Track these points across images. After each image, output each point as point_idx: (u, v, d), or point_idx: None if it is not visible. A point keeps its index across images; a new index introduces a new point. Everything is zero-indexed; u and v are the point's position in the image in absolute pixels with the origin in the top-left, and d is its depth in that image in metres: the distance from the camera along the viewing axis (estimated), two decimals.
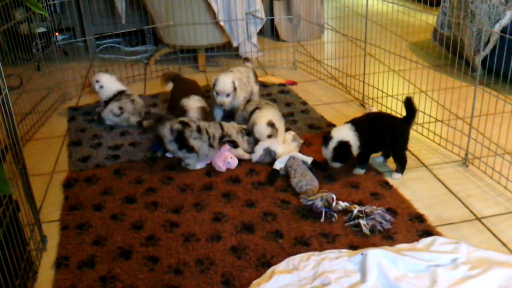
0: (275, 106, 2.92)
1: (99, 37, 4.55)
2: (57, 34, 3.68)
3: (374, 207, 2.13)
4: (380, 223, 2.06)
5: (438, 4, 4.10)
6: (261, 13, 4.12)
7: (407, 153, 2.53)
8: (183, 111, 2.80)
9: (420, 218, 2.13)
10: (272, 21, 4.89)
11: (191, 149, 2.50)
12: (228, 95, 2.90)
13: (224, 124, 2.68)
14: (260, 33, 4.70)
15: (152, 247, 2.01)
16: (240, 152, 2.63)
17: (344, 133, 2.39)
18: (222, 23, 3.91)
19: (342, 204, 2.17)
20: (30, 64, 3.80)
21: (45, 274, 1.92)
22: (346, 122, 2.46)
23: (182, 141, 2.49)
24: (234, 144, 2.61)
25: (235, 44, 4.05)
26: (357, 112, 3.09)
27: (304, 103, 3.38)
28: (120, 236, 2.09)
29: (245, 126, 2.72)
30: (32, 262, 1.91)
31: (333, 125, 2.97)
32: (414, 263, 1.82)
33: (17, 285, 1.70)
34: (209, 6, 3.86)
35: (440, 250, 1.89)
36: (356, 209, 2.13)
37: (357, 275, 1.79)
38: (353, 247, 1.97)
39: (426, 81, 3.29)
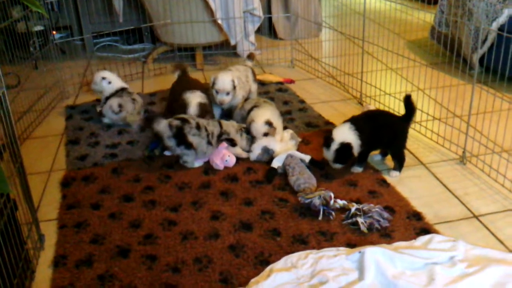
0: (273, 104, 2.92)
1: (96, 36, 4.54)
2: (54, 32, 3.67)
3: (371, 205, 2.13)
4: (378, 221, 2.06)
5: (435, 2, 4.11)
6: (258, 11, 4.11)
7: (405, 151, 2.54)
8: (184, 105, 2.79)
9: (417, 216, 2.13)
10: (270, 19, 4.88)
11: (189, 146, 2.50)
12: (227, 93, 2.90)
13: (223, 122, 2.68)
14: (258, 31, 4.69)
15: (150, 246, 2.01)
16: (238, 150, 2.63)
17: (345, 134, 2.39)
18: (219, 21, 3.91)
19: (340, 202, 2.18)
20: (28, 62, 3.79)
21: (43, 273, 1.92)
22: (345, 121, 2.46)
23: (181, 137, 2.49)
24: (232, 143, 2.61)
25: (232, 42, 4.05)
26: (355, 110, 3.09)
27: (302, 101, 3.38)
28: (118, 234, 2.09)
29: (244, 125, 2.72)
30: (30, 261, 1.91)
31: (331, 123, 2.98)
32: (411, 261, 1.82)
33: (15, 284, 1.70)
34: (206, 4, 3.85)
35: (437, 248, 1.89)
36: (354, 207, 2.14)
37: (355, 273, 1.79)
38: (351, 245, 1.97)
39: (424, 79, 3.30)
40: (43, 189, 2.48)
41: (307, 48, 4.46)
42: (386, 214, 2.10)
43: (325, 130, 2.85)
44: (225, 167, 2.56)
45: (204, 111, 2.80)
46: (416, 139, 2.80)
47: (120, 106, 3.05)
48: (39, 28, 3.76)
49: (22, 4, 3.58)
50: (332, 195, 2.17)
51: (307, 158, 2.51)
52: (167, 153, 2.68)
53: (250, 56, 3.42)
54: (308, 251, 1.93)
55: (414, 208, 2.19)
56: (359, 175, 2.46)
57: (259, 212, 2.19)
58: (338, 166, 2.44)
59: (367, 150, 2.47)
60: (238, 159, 2.61)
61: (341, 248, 1.94)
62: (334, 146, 2.38)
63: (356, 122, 2.43)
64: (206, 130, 2.55)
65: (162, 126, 2.49)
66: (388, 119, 2.50)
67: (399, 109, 2.57)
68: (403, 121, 2.49)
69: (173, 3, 3.86)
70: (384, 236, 2.02)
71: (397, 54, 3.09)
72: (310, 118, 3.11)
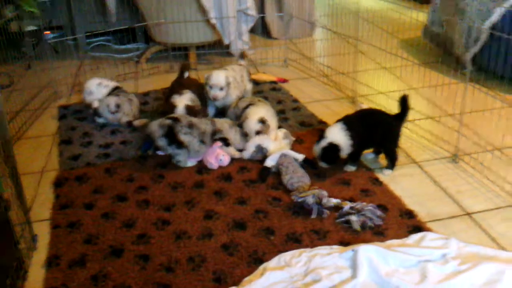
0: (268, 103, 2.92)
1: (89, 35, 4.52)
2: (47, 32, 3.65)
3: (364, 203, 2.14)
4: (371, 219, 2.07)
5: (428, 2, 4.11)
6: (252, 11, 4.11)
7: (398, 149, 2.54)
8: (171, 108, 2.80)
9: (410, 214, 2.14)
10: (263, 18, 4.88)
11: (181, 145, 2.50)
12: (221, 88, 2.91)
13: (217, 120, 2.67)
14: (252, 30, 4.69)
15: (143, 245, 2.01)
16: (232, 151, 2.63)
17: (336, 134, 2.40)
18: (213, 21, 3.90)
19: (333, 201, 2.18)
20: (21, 62, 3.77)
21: (36, 273, 1.91)
22: (338, 121, 2.47)
23: (171, 136, 2.48)
24: (226, 142, 2.61)
25: (226, 41, 4.05)
26: (348, 110, 3.10)
27: (296, 100, 3.39)
28: (111, 234, 2.08)
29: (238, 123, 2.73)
30: (22, 261, 1.90)
31: (324, 123, 2.98)
32: (404, 258, 1.83)
33: (8, 284, 1.69)
34: (200, 4, 3.85)
35: (430, 246, 1.90)
36: (347, 205, 2.14)
37: (348, 271, 1.80)
38: (344, 243, 1.98)
39: (417, 78, 3.31)
40: (36, 189, 2.47)
41: (301, 47, 4.47)
42: (379, 212, 2.11)
43: (318, 129, 2.85)
44: (219, 167, 2.56)
45: (192, 113, 2.78)
46: (409, 137, 2.82)
47: (117, 106, 3.04)
48: (32, 27, 3.75)
49: (14, 3, 3.57)
50: (326, 194, 2.18)
51: (300, 157, 2.51)
52: (160, 153, 2.67)
53: (243, 55, 3.42)
54: (301, 250, 1.93)
55: (406, 206, 2.20)
56: (352, 174, 2.47)
57: (253, 211, 2.20)
58: (324, 165, 2.45)
59: (360, 149, 2.48)
60: (232, 158, 2.61)
61: (335, 246, 1.94)
62: (323, 144, 2.39)
63: (349, 121, 2.44)
64: (198, 128, 2.55)
65: (153, 126, 2.49)
66: (381, 118, 2.51)
67: (392, 108, 2.58)
68: (396, 120, 2.50)
69: (167, 3, 3.85)
70: (377, 234, 2.03)
71: (390, 53, 3.10)
72: (303, 117, 3.12)
